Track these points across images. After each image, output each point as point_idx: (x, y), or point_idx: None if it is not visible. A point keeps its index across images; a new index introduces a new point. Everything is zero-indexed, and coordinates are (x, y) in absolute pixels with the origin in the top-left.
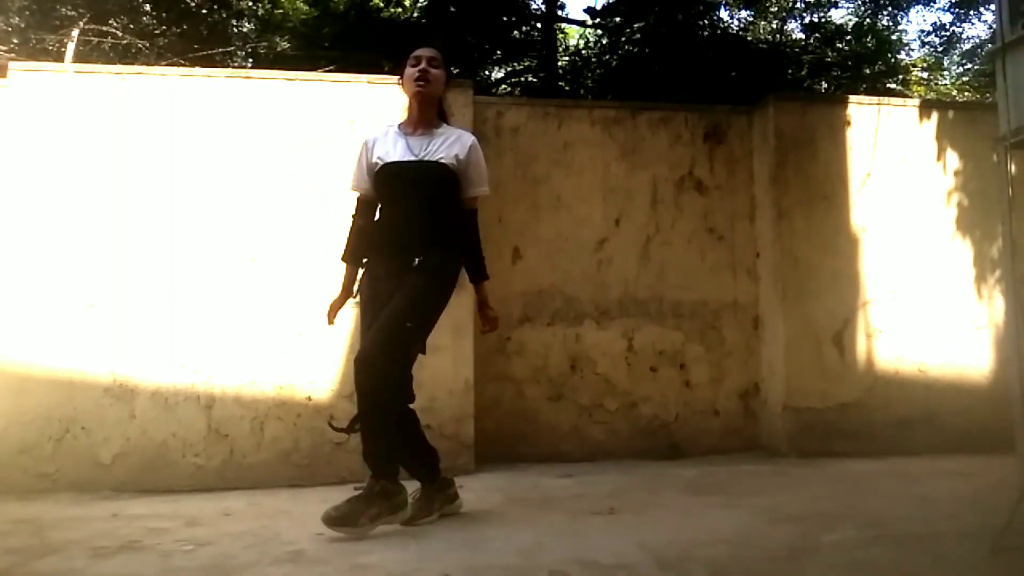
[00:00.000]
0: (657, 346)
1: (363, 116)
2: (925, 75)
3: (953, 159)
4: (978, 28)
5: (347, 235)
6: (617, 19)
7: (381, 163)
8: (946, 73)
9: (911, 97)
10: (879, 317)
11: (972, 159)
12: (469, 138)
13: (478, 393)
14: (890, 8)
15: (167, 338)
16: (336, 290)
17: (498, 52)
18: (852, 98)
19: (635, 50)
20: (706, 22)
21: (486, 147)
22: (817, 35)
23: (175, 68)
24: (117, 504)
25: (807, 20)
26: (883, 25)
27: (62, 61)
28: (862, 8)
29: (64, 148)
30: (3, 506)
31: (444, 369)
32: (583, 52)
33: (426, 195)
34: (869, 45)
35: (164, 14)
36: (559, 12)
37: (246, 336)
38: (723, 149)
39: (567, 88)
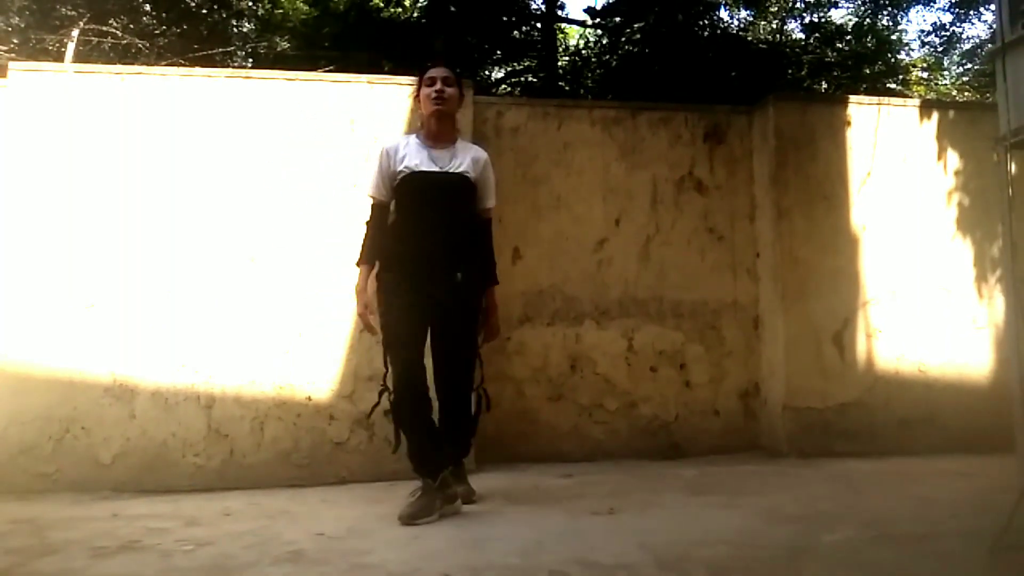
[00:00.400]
0: (657, 346)
1: (363, 116)
2: (925, 75)
3: (953, 159)
4: (978, 28)
5: (363, 240)
6: (617, 19)
7: (409, 171)
8: (946, 73)
9: (911, 97)
10: (879, 317)
11: (972, 159)
12: (483, 154)
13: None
14: (890, 8)
15: (167, 338)
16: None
17: (498, 52)
18: (852, 98)
19: (635, 50)
20: (706, 22)
21: (486, 147)
22: (817, 35)
23: (175, 68)
24: (117, 504)
25: (807, 20)
26: (883, 25)
27: (62, 61)
28: (862, 8)
29: (64, 148)
30: (3, 506)
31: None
32: (583, 52)
33: (455, 205)
34: (869, 45)
35: (164, 14)
36: (559, 12)
37: (246, 336)
38: (723, 149)
39: (567, 88)
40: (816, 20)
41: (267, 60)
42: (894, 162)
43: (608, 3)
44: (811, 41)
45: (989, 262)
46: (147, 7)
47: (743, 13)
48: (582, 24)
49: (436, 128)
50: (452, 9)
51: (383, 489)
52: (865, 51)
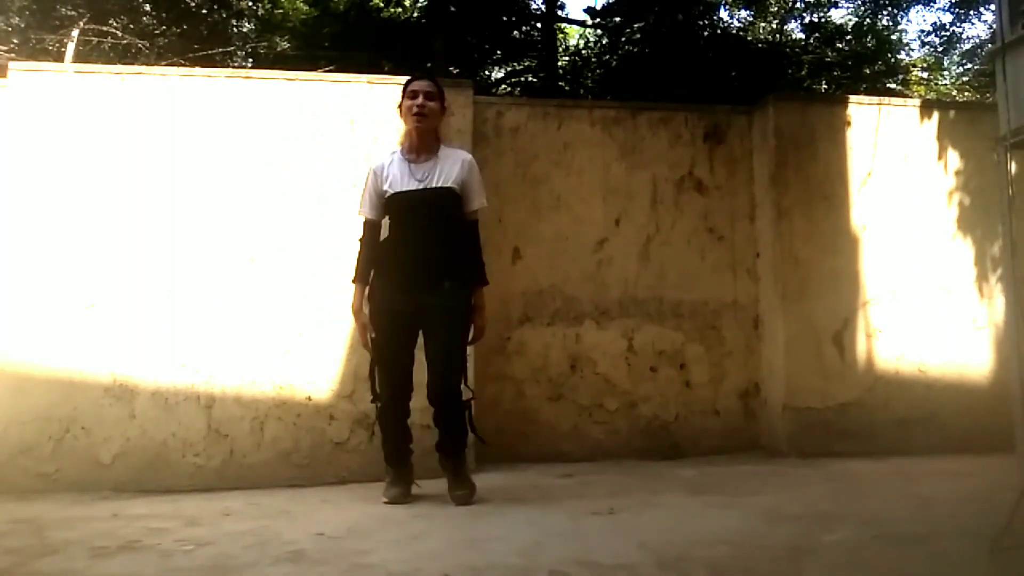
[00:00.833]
0: (657, 346)
1: (363, 116)
2: (925, 75)
3: (953, 159)
4: (978, 28)
5: (356, 258)
6: (617, 19)
7: (391, 192)
8: (946, 73)
9: (911, 97)
10: (879, 317)
11: (972, 159)
12: (466, 157)
13: (478, 393)
14: (890, 8)
15: (167, 338)
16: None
17: (498, 52)
18: (852, 98)
19: (635, 50)
20: (706, 22)
21: (486, 147)
22: (817, 35)
23: (175, 68)
24: (117, 504)
25: (807, 20)
26: (883, 25)
27: (62, 61)
28: (862, 8)
29: (64, 148)
30: (3, 506)
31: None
32: (583, 52)
33: (439, 219)
34: (869, 45)
35: (164, 14)
36: (559, 12)
37: (246, 336)
38: (723, 149)
39: (567, 88)
40: (816, 20)
41: (267, 60)
42: (894, 162)
43: (608, 3)
44: (811, 41)
45: (989, 262)
46: (147, 7)
47: (743, 13)
48: (582, 24)
49: (417, 142)
50: (452, 9)
51: (383, 489)
52: (865, 51)
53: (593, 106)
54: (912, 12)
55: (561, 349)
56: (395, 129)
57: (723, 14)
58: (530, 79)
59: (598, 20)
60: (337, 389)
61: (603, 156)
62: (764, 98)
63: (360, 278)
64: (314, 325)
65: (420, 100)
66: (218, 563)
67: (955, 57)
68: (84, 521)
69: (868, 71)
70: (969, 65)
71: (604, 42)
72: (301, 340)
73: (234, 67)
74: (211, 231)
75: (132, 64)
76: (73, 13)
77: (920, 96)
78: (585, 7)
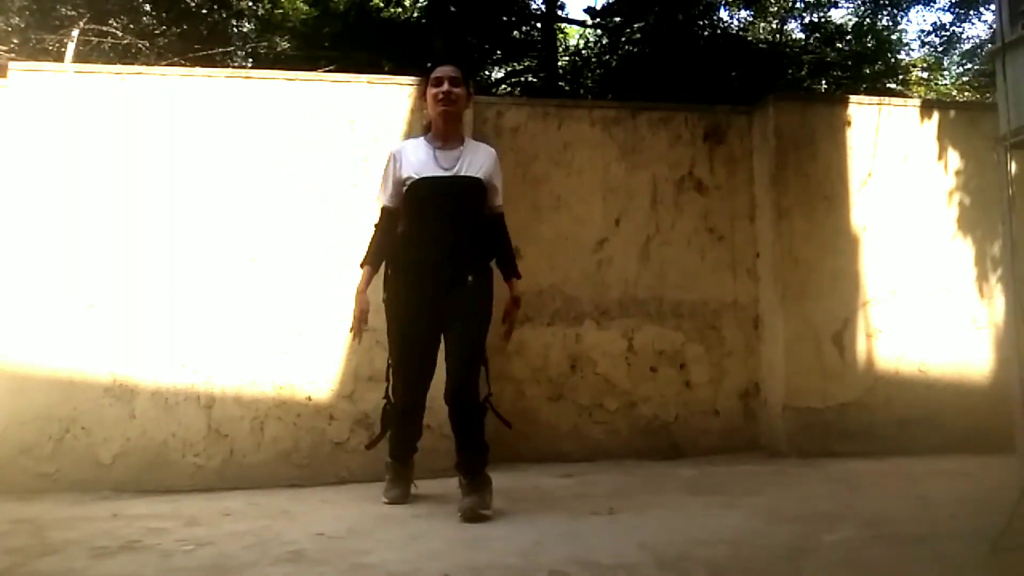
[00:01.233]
0: (657, 346)
1: (363, 116)
2: (925, 75)
3: (953, 159)
4: (978, 28)
5: (369, 242)
6: (617, 19)
7: (416, 177)
8: (946, 73)
9: (911, 97)
10: (879, 317)
11: (972, 159)
12: (492, 152)
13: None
14: (890, 8)
15: (167, 338)
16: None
17: (498, 52)
18: (852, 98)
19: (635, 50)
20: (706, 22)
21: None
22: (817, 35)
23: (175, 68)
24: (117, 504)
25: (807, 20)
26: (883, 25)
27: (62, 61)
28: (862, 8)
29: (64, 148)
30: (3, 506)
31: (443, 369)
32: (583, 52)
33: (464, 210)
34: (869, 45)
35: (164, 14)
36: (559, 12)
37: (246, 336)
38: (723, 149)
39: (567, 88)
40: (816, 20)
41: (267, 60)
42: (894, 162)
43: (608, 3)
44: (811, 41)
45: (989, 262)
46: (147, 7)
47: (743, 13)
48: (582, 24)
49: (444, 129)
50: (452, 9)
51: (383, 489)
52: (865, 51)
53: (593, 106)
54: (912, 12)
55: (561, 349)
56: (395, 129)
57: (723, 14)
58: (530, 79)
59: (598, 20)
60: (337, 389)
61: (603, 156)
62: (764, 98)
63: (369, 263)
64: (314, 325)
65: (445, 86)
66: (218, 563)
67: (955, 57)
68: (84, 521)
69: (868, 71)
70: (969, 65)
71: (604, 42)
72: (301, 340)
73: (234, 67)
74: (211, 231)
75: (132, 64)
76: (73, 13)
77: (920, 96)
78: (585, 7)
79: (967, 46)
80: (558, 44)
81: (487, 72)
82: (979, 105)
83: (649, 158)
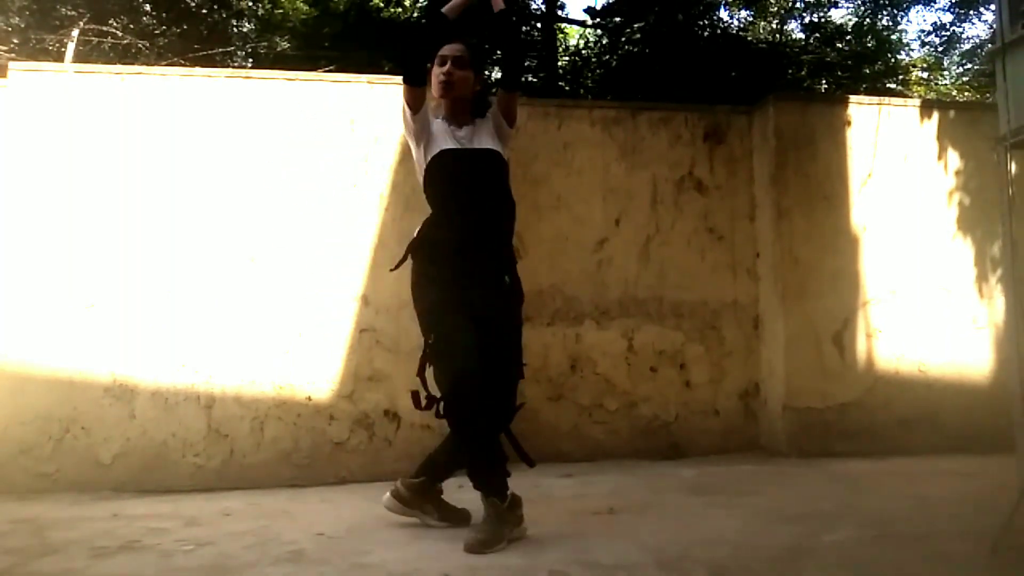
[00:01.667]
0: (657, 346)
1: (363, 116)
2: (925, 75)
3: (953, 159)
4: (978, 28)
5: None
6: (617, 19)
7: (436, 149)
8: (946, 73)
9: (911, 97)
10: (879, 317)
11: (972, 159)
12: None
13: None
14: (890, 8)
15: (167, 338)
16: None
17: (497, 52)
18: (852, 98)
19: (635, 50)
20: (706, 22)
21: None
22: (817, 35)
23: (175, 68)
24: (117, 504)
25: (807, 20)
26: (883, 25)
27: (62, 61)
28: (862, 8)
29: (64, 148)
30: (3, 506)
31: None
32: (583, 52)
33: (487, 183)
34: (869, 45)
35: (164, 14)
36: (559, 12)
37: (246, 336)
38: (723, 149)
39: (567, 88)
40: (816, 20)
41: (267, 60)
42: (894, 162)
43: (608, 3)
44: (811, 41)
45: (989, 262)
46: (147, 7)
47: (743, 13)
48: (582, 24)
49: (450, 112)
50: None
51: (383, 489)
52: (865, 51)
53: (593, 106)
54: (912, 12)
55: (561, 349)
56: (395, 129)
57: (723, 14)
58: (530, 79)
59: (598, 20)
60: (337, 389)
61: (603, 156)
62: (764, 98)
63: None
64: (314, 325)
65: (448, 67)
66: (218, 563)
67: (955, 57)
68: (84, 521)
69: (868, 71)
70: (969, 65)
71: (604, 42)
72: (301, 340)
73: (234, 67)
74: (211, 231)
75: (132, 64)
76: (73, 13)
77: (920, 96)
78: (585, 7)
79: (967, 46)
80: (558, 44)
81: (487, 72)
82: (979, 105)
83: (649, 158)
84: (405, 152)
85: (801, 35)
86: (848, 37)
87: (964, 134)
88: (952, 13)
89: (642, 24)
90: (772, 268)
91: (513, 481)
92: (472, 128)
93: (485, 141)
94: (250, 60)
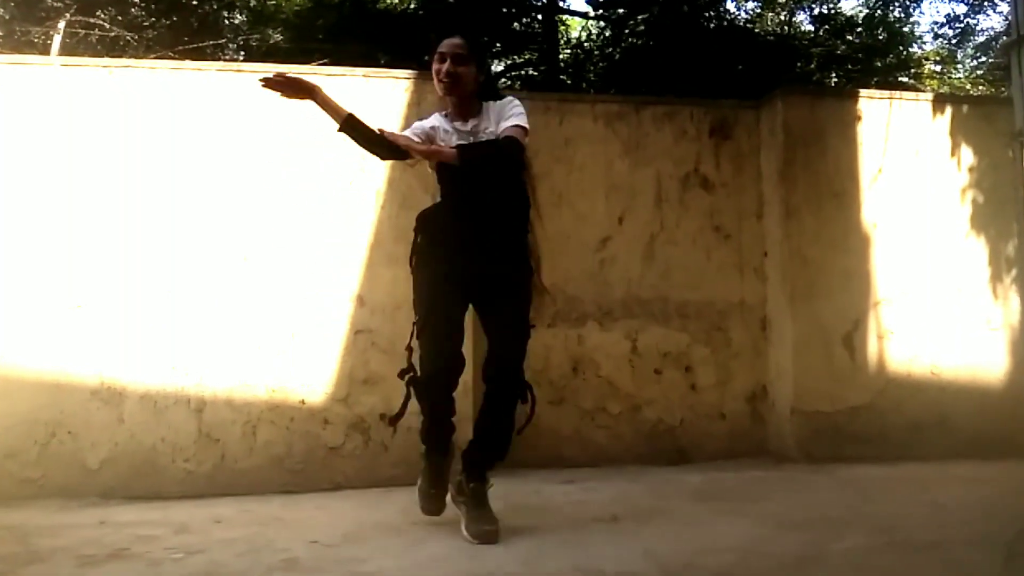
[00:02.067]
0: (662, 348)
1: (359, 110)
2: (938, 68)
3: (967, 155)
4: (993, 20)
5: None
6: (620, 11)
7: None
8: (960, 66)
9: (923, 91)
10: (891, 318)
11: (986, 155)
12: (509, 98)
13: (477, 396)
14: None
15: (157, 340)
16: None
17: (498, 44)
18: (863, 92)
19: (639, 43)
20: (712, 14)
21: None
22: (827, 27)
23: (165, 61)
24: (105, 511)
25: (816, 12)
26: (895, 17)
27: (48, 54)
28: None
29: (50, 144)
30: None
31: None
32: (585, 45)
33: (494, 176)
34: (880, 37)
35: (153, 5)
36: (561, 3)
37: (238, 337)
38: (730, 145)
39: (569, 82)
40: (826, 11)
41: (259, 53)
42: (906, 158)
43: None
44: (820, 33)
45: (1004, 261)
46: None
47: (750, 4)
48: (584, 16)
49: (455, 105)
50: (450, 0)
51: (379, 495)
52: (876, 44)
53: (596, 100)
54: (925, 3)
55: (563, 351)
56: (392, 125)
57: (730, 5)
58: (531, 72)
59: (601, 12)
60: (332, 392)
61: (606, 152)
62: (772, 92)
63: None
64: (308, 326)
65: (448, 65)
66: (209, 571)
67: (969, 50)
68: (71, 528)
69: (879, 64)
70: (983, 58)
71: (607, 34)
72: (295, 342)
73: (226, 60)
74: (202, 229)
75: (120, 57)
76: (59, 4)
77: (933, 90)
78: None
79: (981, 39)
80: (560, 36)
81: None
82: (993, 100)
83: (653, 154)
84: None
85: (810, 27)
86: (859, 29)
87: (978, 129)
88: (966, 4)
89: (646, 16)
90: (780, 267)
91: (514, 487)
92: (478, 119)
93: (489, 129)
94: (242, 53)
